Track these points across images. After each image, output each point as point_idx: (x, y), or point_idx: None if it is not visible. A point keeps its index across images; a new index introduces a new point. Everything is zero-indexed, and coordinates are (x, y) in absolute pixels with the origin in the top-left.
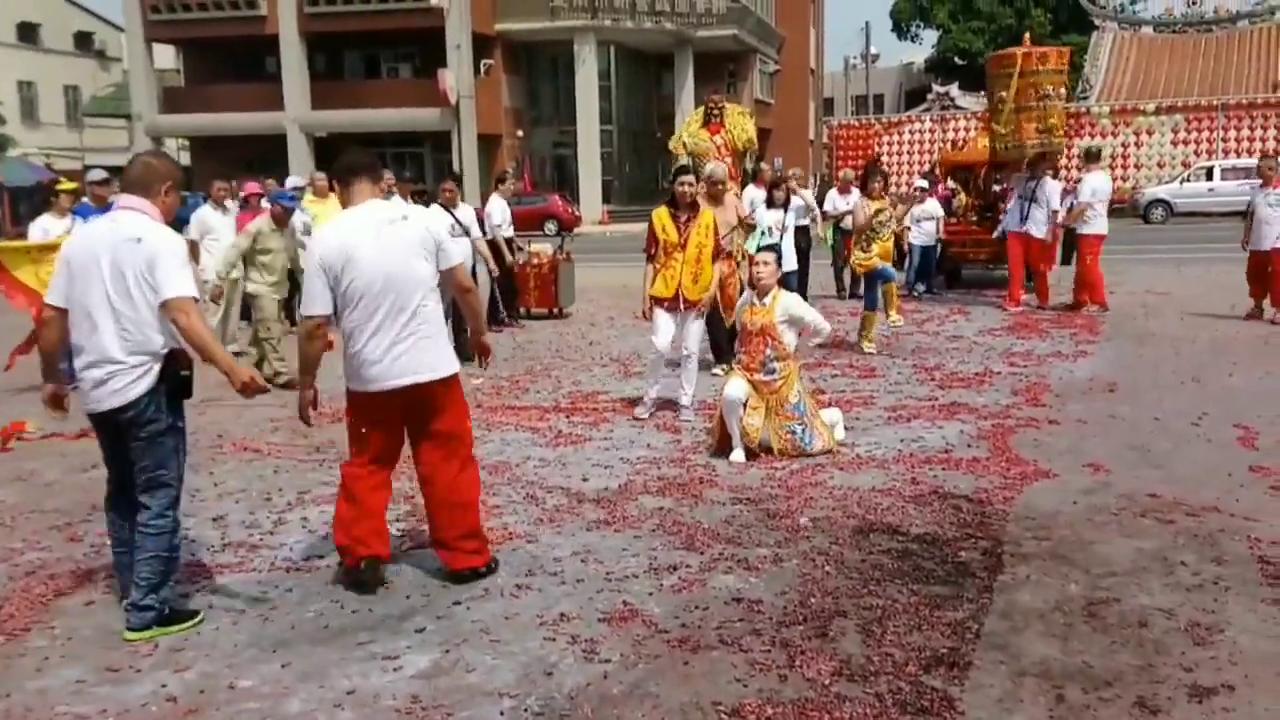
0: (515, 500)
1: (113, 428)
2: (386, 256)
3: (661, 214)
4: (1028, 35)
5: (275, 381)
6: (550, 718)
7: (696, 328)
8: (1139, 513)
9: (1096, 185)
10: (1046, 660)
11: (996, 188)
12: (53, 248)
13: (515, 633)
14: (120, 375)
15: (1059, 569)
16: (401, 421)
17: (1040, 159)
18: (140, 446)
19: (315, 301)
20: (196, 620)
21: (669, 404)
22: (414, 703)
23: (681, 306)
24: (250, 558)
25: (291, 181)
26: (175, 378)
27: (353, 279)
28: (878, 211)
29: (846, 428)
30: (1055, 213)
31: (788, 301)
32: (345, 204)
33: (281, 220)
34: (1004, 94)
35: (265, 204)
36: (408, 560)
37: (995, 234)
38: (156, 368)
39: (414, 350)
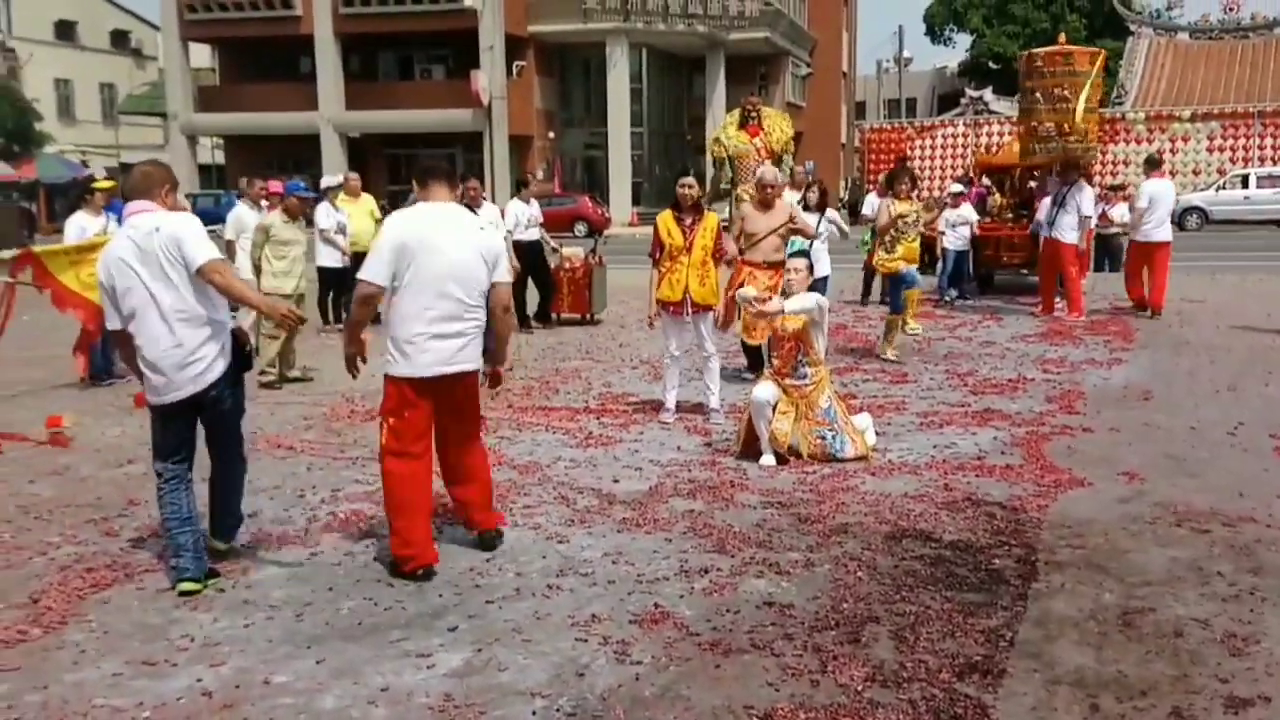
0: (546, 500)
1: (190, 409)
2: (461, 253)
3: (666, 217)
4: (1062, 35)
5: (260, 379)
6: (583, 718)
7: (710, 329)
8: (1174, 522)
9: (1153, 192)
10: (1081, 669)
11: (1033, 184)
12: (91, 248)
13: (547, 633)
14: (195, 363)
15: (1094, 577)
16: (438, 409)
17: (1073, 165)
18: (219, 419)
19: (380, 274)
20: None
21: (697, 407)
22: (447, 701)
23: (689, 311)
24: (284, 555)
25: (326, 181)
26: (240, 354)
27: (426, 263)
28: (901, 215)
29: (878, 433)
30: (1087, 219)
31: (800, 300)
32: (424, 199)
33: (295, 212)
34: (1036, 93)
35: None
36: (439, 558)
37: (1031, 229)
38: (227, 346)
39: (472, 342)
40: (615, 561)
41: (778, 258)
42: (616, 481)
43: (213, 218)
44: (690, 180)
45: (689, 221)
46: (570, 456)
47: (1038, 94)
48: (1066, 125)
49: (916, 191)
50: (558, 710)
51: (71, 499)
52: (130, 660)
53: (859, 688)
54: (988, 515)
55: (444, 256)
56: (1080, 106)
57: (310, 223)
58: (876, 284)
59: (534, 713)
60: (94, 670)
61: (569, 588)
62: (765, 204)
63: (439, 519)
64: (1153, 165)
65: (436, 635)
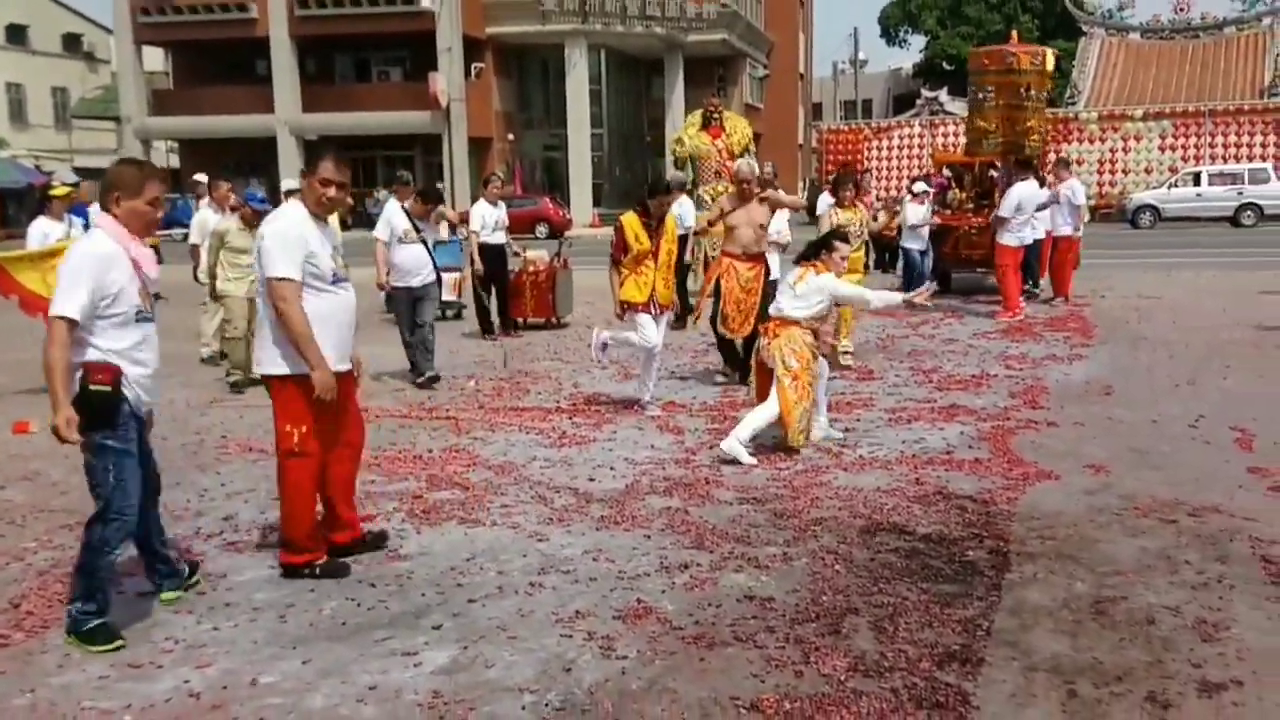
0: (524, 500)
1: None
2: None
3: (633, 221)
4: (1015, 33)
5: (228, 380)
6: (571, 713)
7: (663, 329)
8: (1141, 513)
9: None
10: (1057, 656)
11: (993, 173)
12: (53, 253)
13: (532, 630)
14: None
15: (1065, 567)
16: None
17: (1023, 163)
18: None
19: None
20: (112, 647)
21: (669, 405)
22: (436, 698)
23: (654, 310)
24: (263, 557)
25: (286, 184)
26: (82, 393)
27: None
28: (842, 225)
29: (847, 429)
30: (1078, 209)
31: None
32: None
33: (250, 221)
34: (985, 90)
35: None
36: (419, 559)
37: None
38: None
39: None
40: (596, 559)
41: (757, 249)
42: (592, 480)
43: (166, 221)
44: (670, 198)
45: (654, 226)
46: (545, 456)
47: (982, 92)
48: (1029, 125)
49: (864, 198)
50: (547, 705)
51: (44, 504)
52: (115, 663)
53: (842, 678)
54: (959, 508)
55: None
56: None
57: None
58: None
59: (523, 708)
60: (79, 673)
61: (551, 585)
62: (744, 197)
63: (416, 521)
64: (1063, 165)
65: (421, 634)
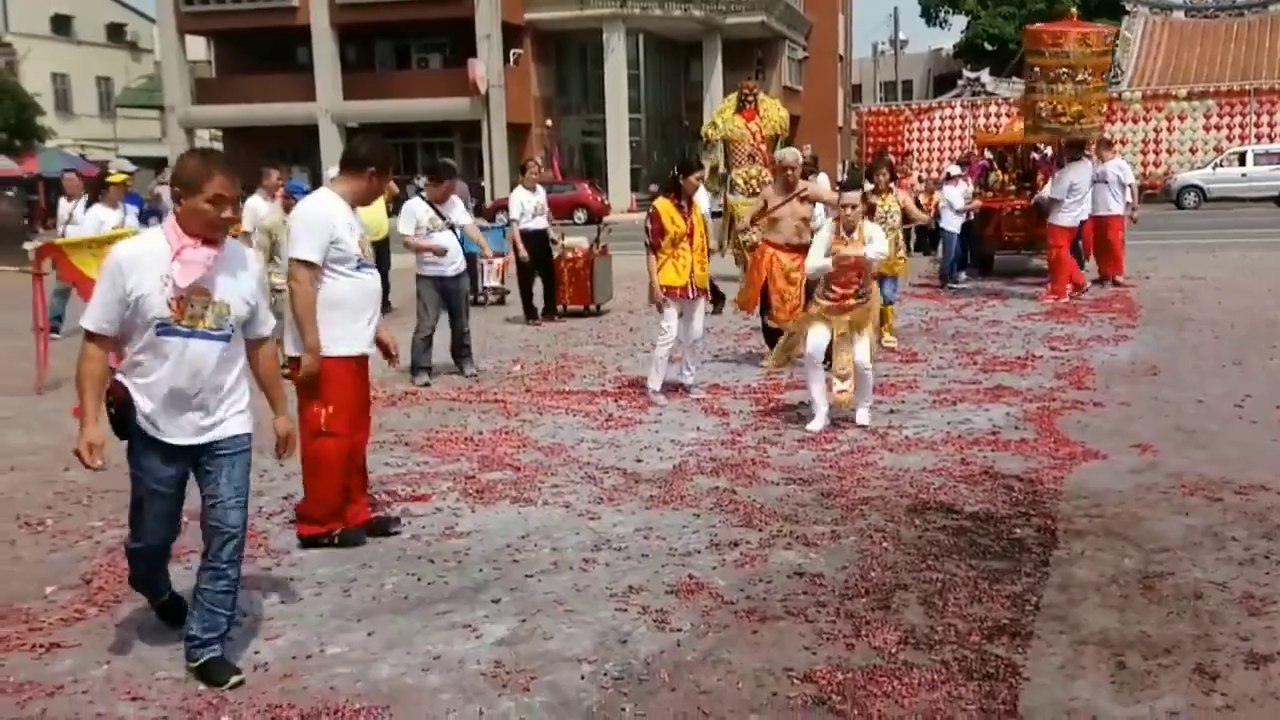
0: (574, 480)
1: None
2: None
3: (667, 206)
4: (1074, 9)
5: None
6: (629, 682)
7: (702, 311)
8: (1188, 491)
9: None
10: (1106, 630)
11: (1035, 155)
12: (109, 240)
13: (587, 604)
14: None
15: (1113, 544)
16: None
17: (1076, 144)
18: None
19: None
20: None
21: (713, 388)
22: (498, 667)
23: (692, 294)
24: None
25: (329, 173)
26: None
27: None
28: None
29: (892, 410)
30: (1128, 187)
31: (871, 230)
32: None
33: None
34: (1037, 69)
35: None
36: (475, 536)
37: (1034, 200)
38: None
39: None
40: (646, 537)
41: (799, 240)
42: (640, 461)
43: None
44: (702, 172)
45: (687, 208)
46: (592, 438)
47: (1042, 71)
48: (1077, 104)
49: (903, 182)
50: (605, 674)
51: (108, 485)
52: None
53: (893, 650)
54: (1006, 488)
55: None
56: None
57: None
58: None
59: (582, 677)
60: (151, 646)
61: (604, 561)
62: (787, 185)
63: (471, 500)
64: (1105, 145)
65: (480, 608)
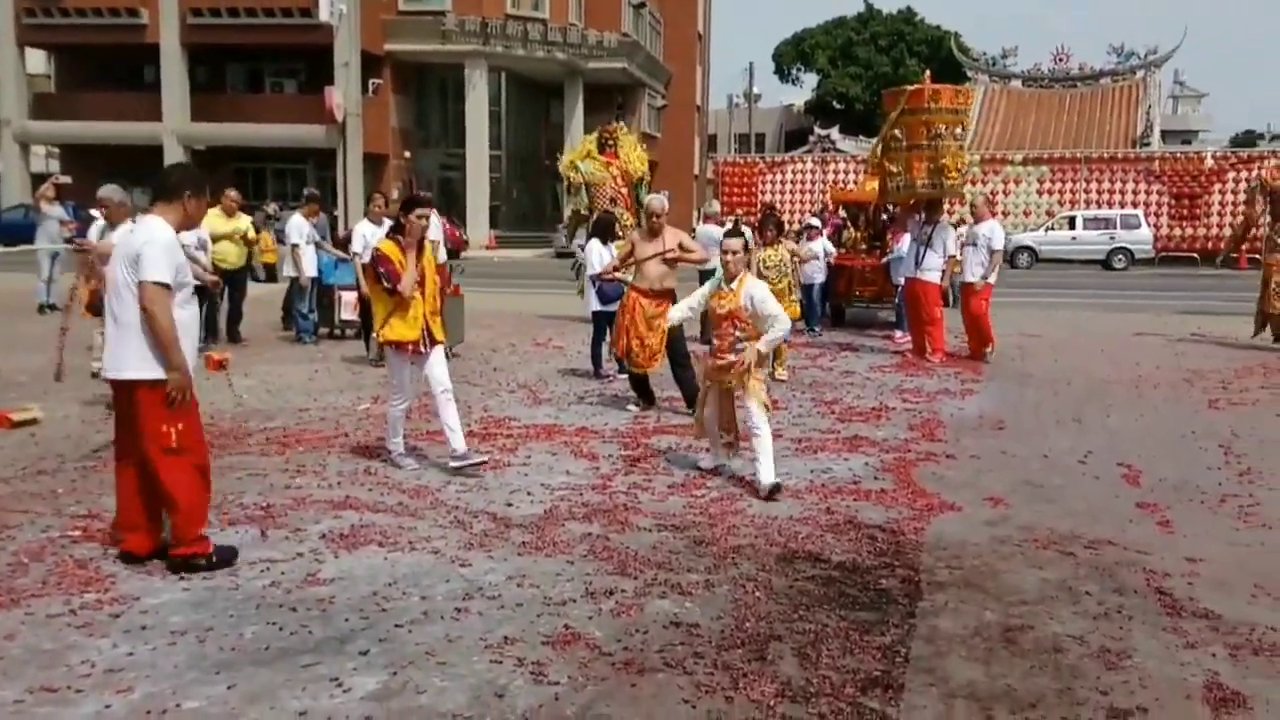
0: (442, 524)
1: None
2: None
3: (393, 248)
4: (928, 72)
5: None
6: None
7: (442, 358)
8: (1041, 545)
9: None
10: (973, 683)
11: (885, 216)
12: None
13: (461, 655)
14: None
15: (974, 596)
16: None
17: (935, 203)
18: None
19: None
20: None
21: (581, 430)
22: None
23: (425, 347)
24: (177, 579)
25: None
26: None
27: None
28: (761, 259)
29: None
30: (951, 258)
31: (753, 289)
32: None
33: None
34: (896, 131)
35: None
36: (340, 584)
37: (884, 260)
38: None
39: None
40: (520, 584)
41: (664, 286)
42: (510, 505)
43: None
44: (426, 211)
45: (413, 253)
46: (460, 480)
47: (903, 132)
48: (944, 164)
49: (780, 237)
50: None
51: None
52: (30, 688)
53: (771, 703)
54: (869, 537)
55: None
56: (953, 145)
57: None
58: None
59: None
60: None
61: (477, 610)
62: (653, 232)
63: (334, 545)
64: (985, 204)
65: (348, 659)
